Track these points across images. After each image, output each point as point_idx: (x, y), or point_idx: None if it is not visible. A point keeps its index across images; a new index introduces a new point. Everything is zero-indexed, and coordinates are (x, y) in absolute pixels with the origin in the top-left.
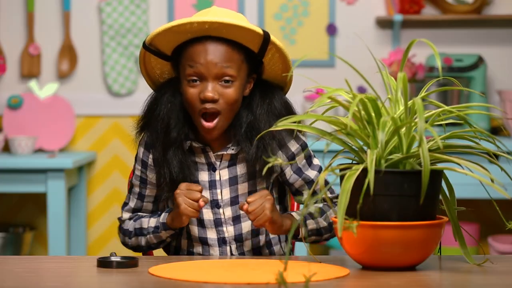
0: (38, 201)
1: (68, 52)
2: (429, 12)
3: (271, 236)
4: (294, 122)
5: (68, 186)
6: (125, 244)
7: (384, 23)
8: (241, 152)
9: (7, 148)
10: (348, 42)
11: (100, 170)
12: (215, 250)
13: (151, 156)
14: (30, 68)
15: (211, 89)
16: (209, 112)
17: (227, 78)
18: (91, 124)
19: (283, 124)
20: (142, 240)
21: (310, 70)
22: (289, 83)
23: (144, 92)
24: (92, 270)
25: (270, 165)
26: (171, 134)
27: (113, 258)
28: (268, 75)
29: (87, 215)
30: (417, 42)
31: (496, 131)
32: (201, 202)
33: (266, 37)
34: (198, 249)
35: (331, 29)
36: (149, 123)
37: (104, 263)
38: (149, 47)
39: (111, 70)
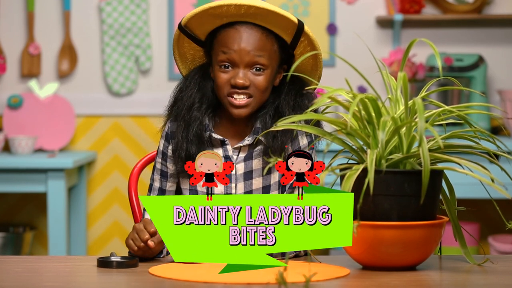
0: (38, 201)
1: (68, 51)
2: (429, 11)
3: None
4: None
5: (68, 186)
6: None
7: (384, 23)
8: (258, 143)
9: (7, 148)
10: (348, 42)
11: (100, 170)
12: None
13: (170, 147)
14: (30, 67)
15: (242, 76)
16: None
17: (258, 66)
18: (91, 124)
19: (283, 124)
20: None
21: None
22: (318, 78)
23: (144, 92)
24: (92, 270)
25: (270, 165)
26: (193, 113)
27: (113, 258)
28: (298, 69)
29: (87, 215)
30: (417, 42)
31: (496, 131)
32: (150, 242)
33: (300, 27)
34: None
35: (331, 29)
36: (177, 103)
37: (104, 263)
38: (184, 29)
39: (111, 70)
